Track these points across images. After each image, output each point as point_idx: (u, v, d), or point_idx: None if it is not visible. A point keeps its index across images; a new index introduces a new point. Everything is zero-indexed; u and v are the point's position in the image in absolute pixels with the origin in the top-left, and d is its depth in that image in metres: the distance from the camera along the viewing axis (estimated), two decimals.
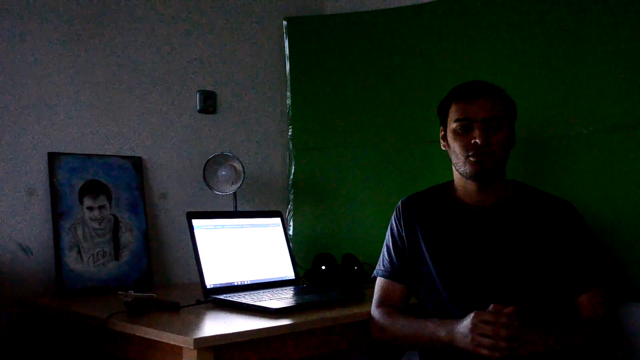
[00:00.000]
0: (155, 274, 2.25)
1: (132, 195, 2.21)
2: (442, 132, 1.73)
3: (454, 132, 1.66)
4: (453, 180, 1.76)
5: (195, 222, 1.97)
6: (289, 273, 2.13)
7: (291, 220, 2.59)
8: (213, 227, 2.01)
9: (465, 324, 1.47)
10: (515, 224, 1.66)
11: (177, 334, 1.45)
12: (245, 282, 1.99)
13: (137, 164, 2.25)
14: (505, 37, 2.19)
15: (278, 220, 2.20)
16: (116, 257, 2.13)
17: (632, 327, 1.91)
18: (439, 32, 2.35)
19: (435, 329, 1.55)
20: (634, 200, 1.92)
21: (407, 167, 2.38)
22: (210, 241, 1.98)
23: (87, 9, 2.17)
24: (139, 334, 1.54)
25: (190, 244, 1.95)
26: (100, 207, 2.13)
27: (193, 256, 1.93)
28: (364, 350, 2.27)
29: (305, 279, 2.26)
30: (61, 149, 2.10)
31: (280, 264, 2.13)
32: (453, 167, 1.72)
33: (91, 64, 2.18)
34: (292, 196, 2.61)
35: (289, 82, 2.62)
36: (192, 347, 1.40)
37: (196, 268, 1.91)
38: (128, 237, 2.17)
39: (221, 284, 1.93)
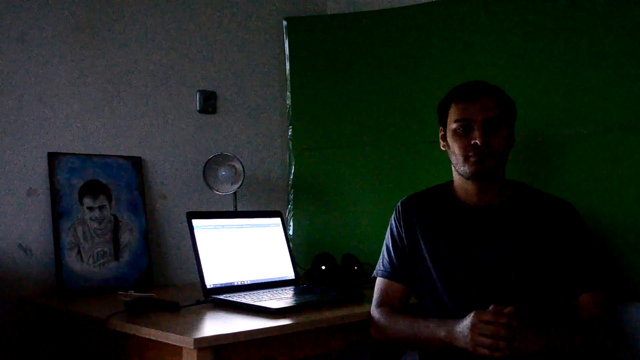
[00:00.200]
0: (155, 274, 2.25)
1: (132, 195, 2.21)
2: (442, 133, 1.73)
3: (454, 132, 1.66)
4: (453, 181, 1.76)
5: (195, 222, 1.97)
6: (289, 273, 2.13)
7: (291, 220, 2.59)
8: (213, 227, 2.01)
9: (465, 323, 1.47)
10: (514, 224, 1.66)
11: (177, 334, 1.45)
12: (245, 282, 1.99)
13: (137, 164, 2.25)
14: (505, 37, 2.19)
15: (278, 220, 2.20)
16: (116, 257, 2.13)
17: (632, 327, 1.91)
18: (439, 32, 2.34)
19: (435, 329, 1.55)
20: (634, 200, 1.92)
21: (407, 167, 2.38)
22: (210, 241, 1.98)
23: (87, 9, 2.17)
24: (139, 334, 1.54)
25: (190, 244, 1.95)
26: (100, 207, 2.13)
27: (193, 256, 1.93)
28: (364, 350, 2.27)
29: (305, 279, 2.26)
30: (61, 149, 2.10)
31: (280, 264, 2.13)
32: (453, 168, 1.72)
33: (91, 64, 2.18)
34: (292, 196, 2.61)
35: (289, 82, 2.62)
36: (192, 347, 1.40)
37: (196, 268, 1.91)
38: (128, 237, 2.17)
39: (221, 284, 1.93)
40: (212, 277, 1.91)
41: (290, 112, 2.62)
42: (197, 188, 2.39)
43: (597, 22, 2.01)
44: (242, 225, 2.10)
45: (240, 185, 2.32)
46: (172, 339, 1.45)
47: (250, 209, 2.50)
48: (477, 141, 1.60)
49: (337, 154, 2.54)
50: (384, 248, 1.80)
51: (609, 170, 1.97)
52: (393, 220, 1.79)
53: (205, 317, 1.69)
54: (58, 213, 2.04)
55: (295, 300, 1.87)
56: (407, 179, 2.37)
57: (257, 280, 2.03)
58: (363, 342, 1.77)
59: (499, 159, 1.64)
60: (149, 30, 2.32)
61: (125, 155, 2.24)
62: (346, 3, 2.71)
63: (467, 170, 1.64)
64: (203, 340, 1.42)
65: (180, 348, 1.44)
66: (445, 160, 1.75)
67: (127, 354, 1.64)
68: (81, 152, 2.14)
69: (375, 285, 1.77)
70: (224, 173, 2.31)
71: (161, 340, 1.48)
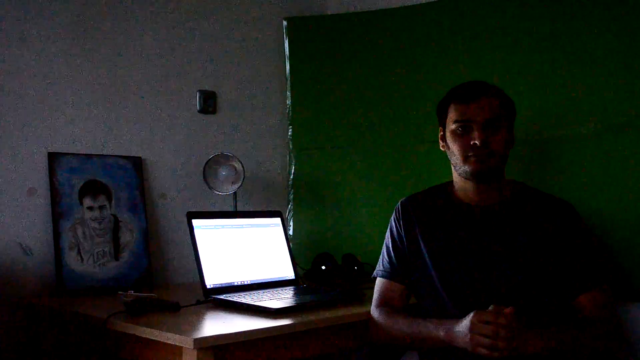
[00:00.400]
0: (155, 274, 2.25)
1: (132, 195, 2.21)
2: (441, 133, 1.73)
3: (453, 133, 1.66)
4: (452, 181, 1.76)
5: (195, 222, 1.97)
6: (289, 273, 2.13)
7: (291, 220, 2.59)
8: (213, 227, 2.01)
9: (465, 323, 1.47)
10: (514, 224, 1.66)
11: (177, 334, 1.45)
12: (245, 282, 1.99)
13: (137, 164, 2.25)
14: (505, 37, 2.19)
15: (278, 220, 2.20)
16: (116, 257, 2.13)
17: (632, 327, 1.91)
18: (439, 32, 2.34)
19: (434, 329, 1.55)
20: (634, 200, 1.92)
21: (407, 167, 2.38)
22: (210, 241, 1.98)
23: (87, 9, 2.17)
24: (139, 334, 1.54)
25: (190, 244, 1.95)
26: (100, 207, 2.13)
27: (193, 256, 1.93)
28: (364, 350, 2.27)
29: (305, 279, 2.26)
30: (61, 149, 2.10)
31: (280, 264, 2.13)
32: (452, 168, 1.72)
33: (91, 64, 2.18)
34: (292, 196, 2.61)
35: (289, 82, 2.62)
36: (192, 347, 1.40)
37: (196, 268, 1.91)
38: (128, 237, 2.17)
39: (221, 284, 1.93)
40: (212, 277, 1.91)
41: (290, 112, 2.62)
42: (197, 188, 2.38)
43: (597, 22, 2.01)
44: (242, 225, 2.10)
45: (240, 185, 2.32)
46: (172, 339, 1.45)
47: (250, 209, 2.50)
48: (476, 142, 1.60)
49: (337, 154, 2.54)
50: (383, 248, 1.80)
51: (609, 170, 1.97)
52: (393, 221, 1.79)
53: (205, 317, 1.69)
54: (58, 213, 2.04)
55: (295, 300, 1.87)
56: (407, 179, 2.36)
57: (257, 280, 2.03)
58: (363, 342, 1.77)
59: (499, 159, 1.64)
60: (149, 30, 2.32)
61: (125, 155, 2.24)
62: (346, 3, 2.71)
63: (467, 170, 1.64)
64: (203, 340, 1.42)
65: (180, 348, 1.44)
66: (444, 160, 1.75)
67: (127, 354, 1.64)
68: (81, 152, 2.14)
69: (375, 285, 1.77)
70: (224, 173, 2.31)
71: (161, 340, 1.48)
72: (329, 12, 2.77)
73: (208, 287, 1.89)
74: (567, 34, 2.07)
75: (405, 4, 2.45)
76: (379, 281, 1.77)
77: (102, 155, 2.18)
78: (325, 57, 2.58)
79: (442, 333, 1.53)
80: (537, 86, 2.11)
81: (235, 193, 2.34)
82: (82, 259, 2.05)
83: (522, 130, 1.79)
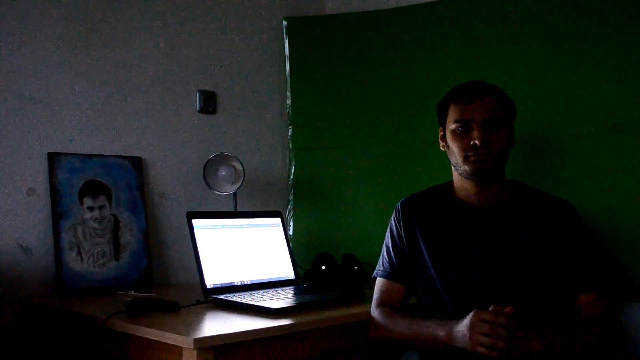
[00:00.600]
0: (155, 274, 2.25)
1: (132, 195, 2.21)
2: (441, 133, 1.73)
3: (453, 133, 1.66)
4: (452, 181, 1.76)
5: (195, 222, 1.97)
6: (289, 273, 2.13)
7: (291, 220, 2.59)
8: (213, 227, 2.01)
9: (465, 322, 1.47)
10: (514, 224, 1.66)
11: (177, 334, 1.45)
12: (245, 282, 1.99)
13: (137, 164, 2.25)
14: (506, 37, 2.19)
15: (278, 220, 2.20)
16: (116, 257, 2.13)
17: (632, 327, 1.91)
18: (439, 32, 2.34)
19: (434, 328, 1.55)
20: (634, 200, 1.92)
21: (407, 167, 2.38)
22: (210, 241, 1.98)
23: (87, 9, 2.17)
24: (139, 334, 1.54)
25: (190, 244, 1.95)
26: (100, 207, 2.13)
27: (193, 256, 1.93)
28: (364, 350, 2.27)
29: (305, 279, 2.26)
30: (61, 149, 2.10)
31: (280, 264, 2.13)
32: (452, 168, 1.72)
33: (91, 64, 2.18)
34: (292, 196, 2.61)
35: (289, 82, 2.62)
36: (192, 347, 1.40)
37: (196, 268, 1.91)
38: (128, 237, 2.17)
39: (221, 284, 1.93)
40: (212, 277, 1.91)
41: (290, 112, 2.62)
42: (197, 188, 2.38)
43: (597, 22, 2.01)
44: (242, 225, 2.10)
45: (240, 185, 2.32)
46: (172, 339, 1.45)
47: (250, 209, 2.50)
48: (476, 141, 1.60)
49: (337, 154, 2.54)
50: (383, 248, 1.80)
51: (609, 170, 1.96)
52: (393, 221, 1.79)
53: (205, 317, 1.69)
54: (58, 213, 2.04)
55: (295, 300, 1.87)
56: (407, 179, 2.37)
57: (257, 280, 2.03)
58: (363, 342, 1.77)
59: (499, 159, 1.64)
60: (149, 30, 2.32)
61: (125, 155, 2.24)
62: (346, 3, 2.71)
63: (467, 170, 1.64)
64: (203, 340, 1.42)
65: (180, 348, 1.44)
66: (444, 160, 1.75)
67: (127, 354, 1.64)
68: (81, 152, 2.14)
69: (375, 285, 1.77)
70: (224, 173, 2.31)
71: (161, 340, 1.48)
72: (329, 12, 2.77)
73: (208, 287, 1.89)
74: (567, 34, 2.07)
75: (405, 4, 2.44)
76: (379, 281, 1.77)
77: (102, 155, 2.18)
78: (325, 57, 2.58)
79: (442, 333, 1.53)
80: (537, 86, 2.11)
81: (235, 193, 2.34)
82: (82, 259, 2.05)
83: (522, 130, 1.79)
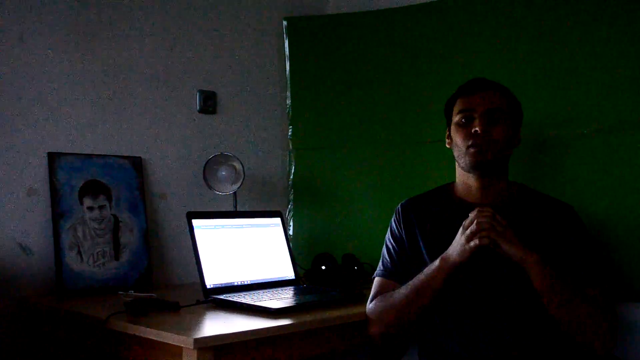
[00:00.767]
0: (155, 274, 2.25)
1: (132, 195, 2.21)
2: (448, 132, 1.74)
3: (457, 124, 1.68)
4: (454, 182, 1.76)
5: (195, 222, 1.97)
6: (289, 273, 2.13)
7: (291, 220, 2.59)
8: (213, 227, 2.01)
9: (455, 239, 1.55)
10: (515, 225, 1.65)
11: (177, 334, 1.45)
12: (245, 282, 1.99)
13: (137, 164, 2.25)
14: (506, 37, 2.19)
15: (278, 220, 2.20)
16: (116, 257, 2.13)
17: (631, 327, 1.91)
18: (439, 32, 2.34)
19: (428, 269, 1.59)
20: (634, 200, 1.92)
21: (407, 167, 2.38)
22: (210, 241, 1.98)
23: (87, 9, 2.17)
24: (139, 334, 1.54)
25: (190, 244, 1.95)
26: (100, 207, 2.13)
27: (193, 256, 1.93)
28: (364, 350, 2.27)
29: (305, 279, 2.26)
30: (61, 149, 2.10)
31: (280, 264, 2.13)
32: (456, 164, 1.72)
33: (91, 64, 2.18)
34: (292, 196, 2.61)
35: (289, 82, 2.62)
36: (192, 347, 1.40)
37: (196, 268, 1.91)
38: (128, 237, 2.17)
39: (221, 284, 1.93)
40: (212, 277, 1.91)
41: (290, 112, 2.62)
42: (197, 188, 2.38)
43: (597, 22, 2.01)
44: (242, 225, 2.10)
45: (240, 185, 2.32)
46: (172, 339, 1.45)
47: (250, 209, 2.50)
48: (477, 129, 1.61)
49: (337, 154, 2.54)
50: (384, 250, 1.79)
51: (609, 170, 1.96)
52: (393, 222, 1.79)
53: (205, 317, 1.69)
54: (58, 213, 2.04)
55: (295, 300, 1.87)
56: (407, 179, 2.37)
57: (257, 280, 2.03)
58: (363, 342, 1.77)
59: (500, 151, 1.64)
60: (149, 30, 2.32)
61: (125, 155, 2.24)
62: (346, 3, 2.70)
63: (468, 160, 1.64)
64: (203, 340, 1.42)
65: (180, 348, 1.44)
66: (445, 160, 1.76)
67: (127, 354, 1.64)
68: (81, 152, 2.14)
69: (373, 284, 1.77)
70: (224, 173, 2.31)
71: (161, 340, 1.48)
72: (329, 12, 2.77)
73: (208, 287, 1.89)
74: (567, 34, 2.06)
75: (405, 4, 2.44)
76: (377, 280, 1.76)
77: (102, 155, 2.18)
78: (325, 57, 2.58)
79: (437, 263, 1.57)
80: (537, 86, 2.11)
81: (235, 193, 2.34)
82: (82, 259, 2.05)
83: (523, 130, 1.79)
